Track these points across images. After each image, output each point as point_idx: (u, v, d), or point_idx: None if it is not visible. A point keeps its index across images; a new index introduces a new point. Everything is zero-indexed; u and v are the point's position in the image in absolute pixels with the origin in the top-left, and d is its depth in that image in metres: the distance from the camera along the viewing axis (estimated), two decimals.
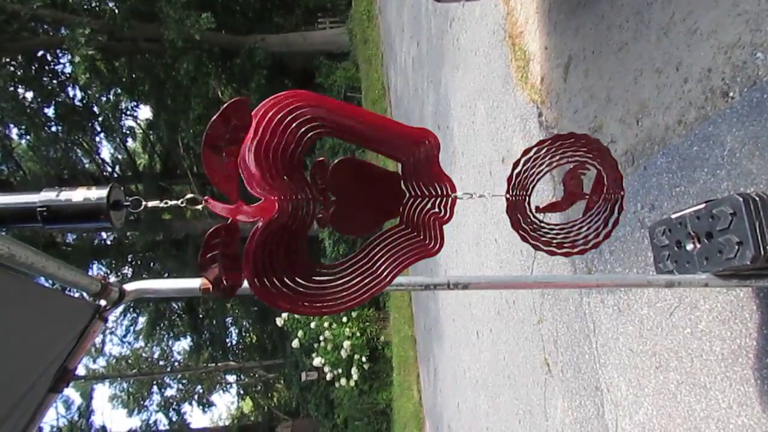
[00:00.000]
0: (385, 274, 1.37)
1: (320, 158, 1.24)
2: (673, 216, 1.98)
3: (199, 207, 1.19)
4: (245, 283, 1.20)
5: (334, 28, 20.93)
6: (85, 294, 1.29)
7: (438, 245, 1.47)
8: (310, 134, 1.23)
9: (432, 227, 1.47)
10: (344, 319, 13.50)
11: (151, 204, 1.19)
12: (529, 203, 1.75)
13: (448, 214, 1.49)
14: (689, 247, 1.90)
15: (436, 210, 1.49)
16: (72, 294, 1.32)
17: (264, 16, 21.68)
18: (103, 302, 1.32)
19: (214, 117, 1.08)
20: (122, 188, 1.19)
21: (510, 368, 4.58)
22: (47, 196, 1.12)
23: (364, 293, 1.34)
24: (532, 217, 1.77)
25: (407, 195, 1.44)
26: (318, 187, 1.27)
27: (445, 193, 1.48)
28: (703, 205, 1.84)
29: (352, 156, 1.37)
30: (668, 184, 2.43)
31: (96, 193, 1.12)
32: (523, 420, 4.28)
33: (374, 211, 1.40)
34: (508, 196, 1.71)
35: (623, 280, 2.18)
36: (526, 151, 1.72)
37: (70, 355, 1.31)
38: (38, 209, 1.11)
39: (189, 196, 1.20)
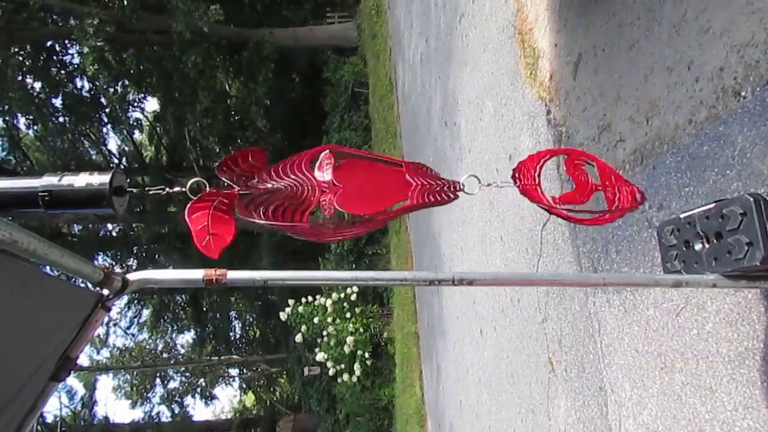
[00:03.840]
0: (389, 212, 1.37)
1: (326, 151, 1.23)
2: (682, 215, 1.96)
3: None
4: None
5: (342, 22, 20.91)
6: (88, 283, 1.29)
7: (451, 199, 1.46)
8: None
9: (443, 196, 1.46)
10: (348, 315, 13.51)
11: (153, 190, 1.18)
12: (542, 192, 1.73)
13: (455, 195, 1.48)
14: (698, 247, 1.88)
15: (445, 191, 1.47)
16: (75, 283, 1.31)
17: (272, 10, 21.66)
18: (105, 291, 1.31)
19: (228, 158, 1.08)
20: (125, 175, 1.18)
21: (513, 367, 4.57)
22: (49, 180, 1.11)
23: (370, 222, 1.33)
24: (551, 208, 1.75)
25: (414, 184, 1.43)
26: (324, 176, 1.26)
27: (452, 181, 1.47)
28: (712, 205, 1.82)
29: (355, 159, 1.36)
30: (677, 184, 2.41)
31: (98, 179, 1.11)
32: (526, 419, 4.27)
33: (381, 198, 1.39)
34: (518, 184, 1.70)
35: (630, 279, 2.16)
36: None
37: (72, 343, 1.30)
38: (40, 194, 1.10)
39: (193, 180, 1.18)
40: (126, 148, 29.12)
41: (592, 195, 1.90)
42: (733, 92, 2.09)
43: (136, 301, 30.86)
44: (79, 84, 23.14)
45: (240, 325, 35.71)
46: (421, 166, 1.44)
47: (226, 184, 1.21)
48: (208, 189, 1.17)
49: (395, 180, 1.42)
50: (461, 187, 1.49)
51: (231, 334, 34.64)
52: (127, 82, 23.29)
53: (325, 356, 13.60)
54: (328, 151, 1.28)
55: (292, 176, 1.20)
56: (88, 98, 23.49)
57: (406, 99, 11.42)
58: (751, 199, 1.67)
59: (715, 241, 1.80)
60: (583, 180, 1.88)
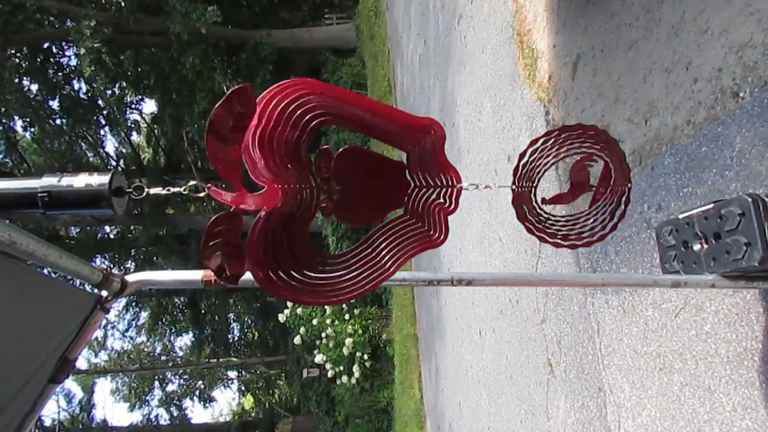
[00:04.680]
0: (388, 264, 1.36)
1: (325, 146, 1.22)
2: (681, 216, 1.96)
3: (201, 195, 1.17)
4: (247, 274, 1.18)
5: (340, 24, 20.94)
6: (86, 284, 1.28)
7: (442, 235, 1.45)
8: (314, 122, 1.21)
9: (436, 218, 1.45)
10: (347, 317, 13.50)
11: (153, 191, 1.18)
12: (534, 195, 1.73)
13: (453, 205, 1.47)
14: (696, 247, 1.88)
15: (441, 200, 1.47)
16: (74, 284, 1.30)
17: (270, 11, 21.68)
18: (104, 293, 1.31)
19: (218, 104, 1.06)
20: (124, 175, 1.17)
21: (512, 368, 4.57)
22: (49, 181, 1.11)
23: (368, 284, 1.33)
24: (537, 208, 1.75)
25: (412, 185, 1.43)
26: (322, 175, 1.25)
27: (450, 183, 1.46)
28: (711, 206, 1.82)
29: (356, 145, 1.36)
30: (676, 185, 2.41)
31: (98, 179, 1.11)
32: (525, 420, 4.26)
33: (378, 201, 1.38)
34: (513, 187, 1.69)
35: (629, 280, 2.15)
36: (534, 142, 1.70)
37: (71, 345, 1.29)
38: (39, 194, 1.10)
39: (192, 183, 1.18)
40: (123, 150, 29.08)
41: (579, 195, 1.90)
42: (731, 93, 2.10)
43: (134, 304, 30.82)
44: (76, 86, 23.13)
45: (238, 327, 35.68)
46: (427, 128, 1.41)
47: (223, 186, 1.20)
48: (206, 190, 1.17)
49: (394, 179, 1.41)
50: (462, 188, 1.49)
51: (229, 336, 34.59)
52: (124, 84, 23.25)
53: (324, 358, 13.59)
54: (327, 145, 1.29)
55: (289, 166, 1.19)
56: (86, 100, 23.48)
57: (404, 100, 11.43)
58: (750, 200, 1.67)
59: (713, 241, 1.80)
60: (582, 182, 1.87)
